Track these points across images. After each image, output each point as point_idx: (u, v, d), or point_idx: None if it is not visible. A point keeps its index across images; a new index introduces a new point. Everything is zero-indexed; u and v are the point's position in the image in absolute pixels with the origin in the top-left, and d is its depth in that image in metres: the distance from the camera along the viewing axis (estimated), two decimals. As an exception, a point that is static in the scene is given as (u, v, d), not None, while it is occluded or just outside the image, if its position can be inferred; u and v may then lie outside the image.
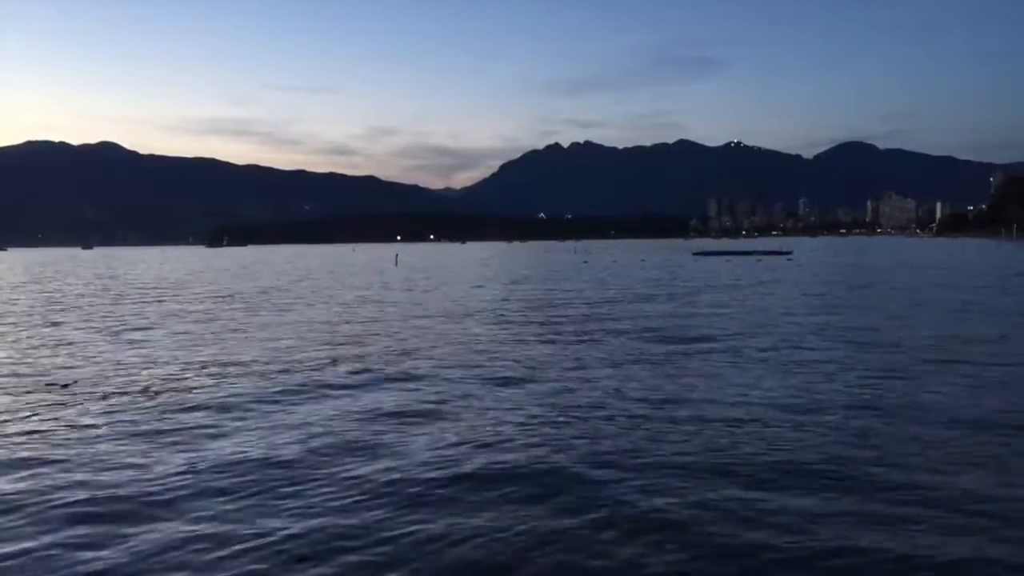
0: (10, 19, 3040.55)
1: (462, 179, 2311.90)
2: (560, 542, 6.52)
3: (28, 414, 11.50)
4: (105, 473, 8.43)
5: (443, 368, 14.94)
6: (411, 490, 7.79)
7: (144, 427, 10.54)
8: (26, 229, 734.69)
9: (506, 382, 13.51)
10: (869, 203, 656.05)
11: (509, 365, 15.27)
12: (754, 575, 5.97)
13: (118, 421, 10.92)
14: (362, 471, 8.36)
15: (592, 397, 12.11)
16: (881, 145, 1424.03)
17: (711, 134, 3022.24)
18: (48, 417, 11.26)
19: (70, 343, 19.76)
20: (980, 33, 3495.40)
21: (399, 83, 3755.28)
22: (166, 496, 7.70)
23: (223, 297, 36.75)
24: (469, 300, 32.57)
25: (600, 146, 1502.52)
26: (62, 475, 8.37)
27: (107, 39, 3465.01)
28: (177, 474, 8.32)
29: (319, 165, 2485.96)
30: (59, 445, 9.69)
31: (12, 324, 25.08)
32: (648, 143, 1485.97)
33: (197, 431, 10.34)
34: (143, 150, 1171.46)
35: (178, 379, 14.21)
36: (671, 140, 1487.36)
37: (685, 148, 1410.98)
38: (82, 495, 7.76)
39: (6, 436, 10.15)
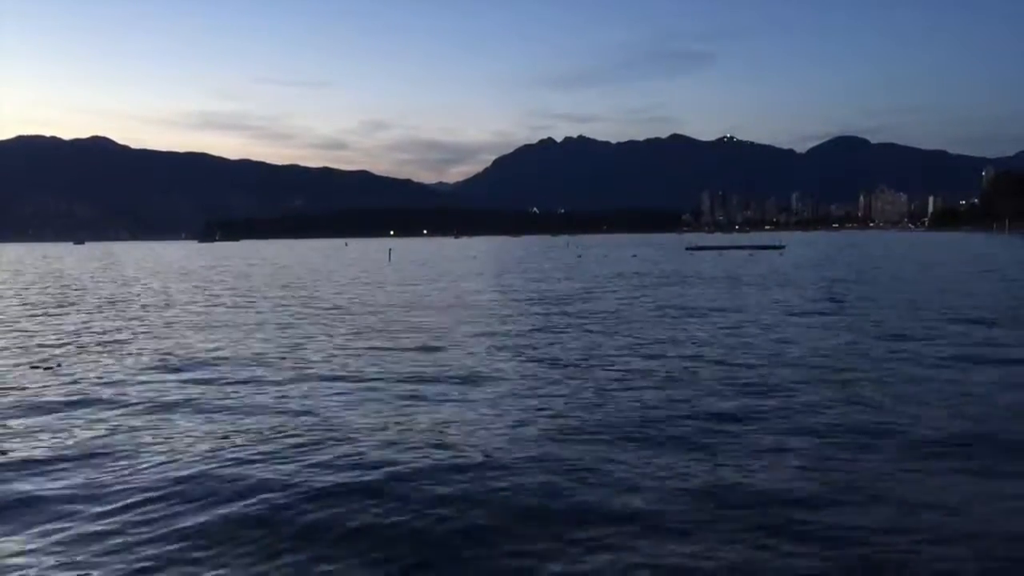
0: (0, 13, 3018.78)
1: (455, 173, 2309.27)
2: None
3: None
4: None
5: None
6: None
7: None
8: (16, 224, 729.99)
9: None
10: (861, 197, 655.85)
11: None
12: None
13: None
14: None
15: None
16: (874, 139, 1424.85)
17: (704, 128, 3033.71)
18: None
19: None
20: (972, 28, 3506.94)
21: (392, 77, 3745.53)
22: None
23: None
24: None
25: (593, 141, 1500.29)
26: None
27: (98, 33, 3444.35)
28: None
29: (312, 159, 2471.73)
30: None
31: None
32: (641, 138, 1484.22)
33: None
34: (135, 144, 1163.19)
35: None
36: (664, 135, 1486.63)
37: (678, 143, 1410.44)
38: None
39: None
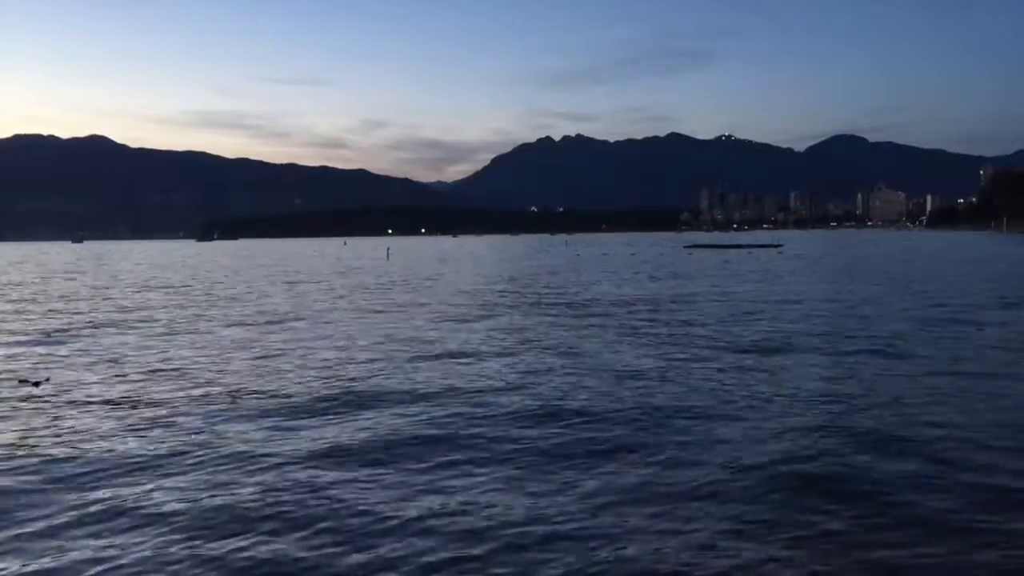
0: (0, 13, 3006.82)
1: (454, 172, 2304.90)
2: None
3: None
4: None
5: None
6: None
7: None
8: (14, 223, 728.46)
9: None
10: (860, 196, 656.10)
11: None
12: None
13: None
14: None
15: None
16: (872, 138, 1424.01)
17: (703, 127, 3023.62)
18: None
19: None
20: (970, 27, 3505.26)
21: (390, 76, 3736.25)
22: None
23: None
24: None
25: (592, 139, 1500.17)
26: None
27: (96, 32, 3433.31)
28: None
29: (310, 158, 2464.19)
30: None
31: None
32: (639, 136, 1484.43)
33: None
34: (133, 143, 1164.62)
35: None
36: (663, 133, 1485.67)
37: (677, 141, 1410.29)
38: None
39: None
